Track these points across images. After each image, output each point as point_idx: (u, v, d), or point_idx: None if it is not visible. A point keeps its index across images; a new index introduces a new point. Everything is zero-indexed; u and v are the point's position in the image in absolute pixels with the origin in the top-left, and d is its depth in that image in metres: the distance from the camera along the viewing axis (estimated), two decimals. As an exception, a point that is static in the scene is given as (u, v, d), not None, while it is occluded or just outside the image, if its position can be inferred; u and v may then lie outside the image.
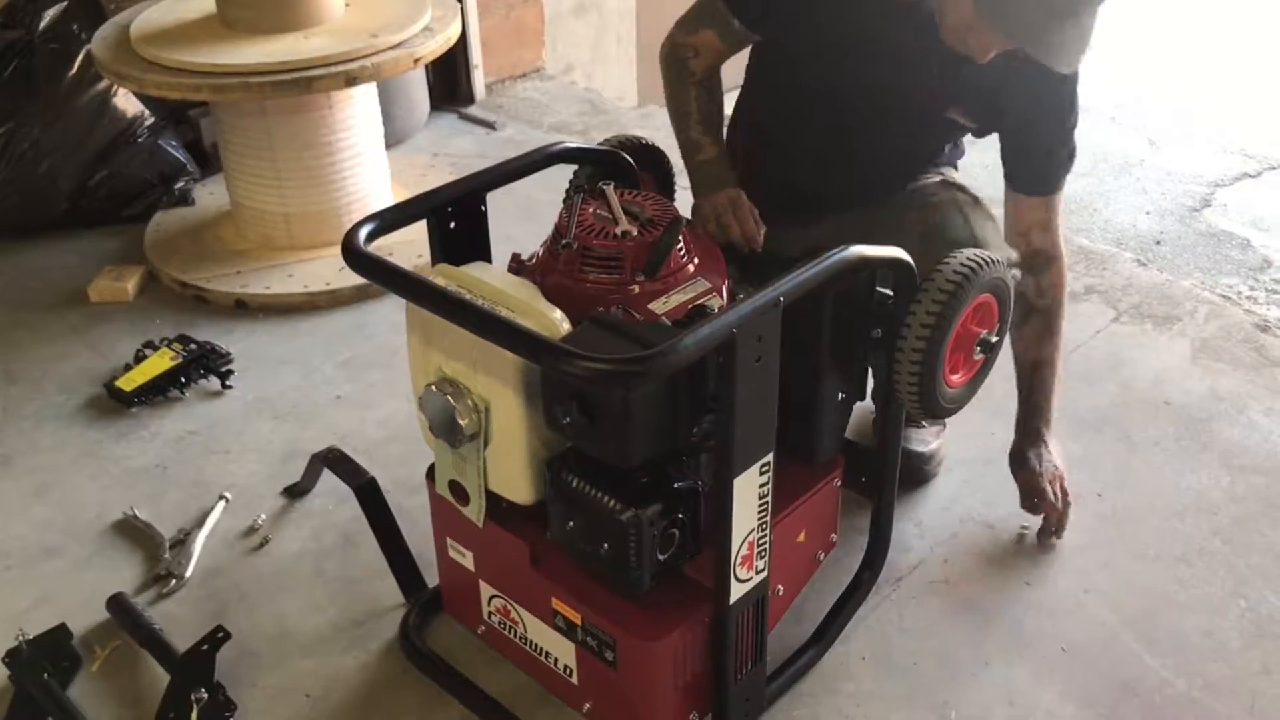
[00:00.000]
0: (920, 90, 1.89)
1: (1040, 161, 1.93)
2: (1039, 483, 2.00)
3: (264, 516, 2.14)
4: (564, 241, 1.60)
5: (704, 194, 1.92)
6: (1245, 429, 2.35)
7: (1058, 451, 2.04)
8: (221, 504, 2.17)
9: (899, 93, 1.89)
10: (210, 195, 3.24)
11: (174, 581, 2.00)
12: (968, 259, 1.62)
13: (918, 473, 2.18)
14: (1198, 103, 4.21)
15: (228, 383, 2.52)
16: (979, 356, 1.72)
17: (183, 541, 2.08)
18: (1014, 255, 1.90)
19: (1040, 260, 1.96)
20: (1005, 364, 1.84)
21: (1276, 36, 4.89)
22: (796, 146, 2.02)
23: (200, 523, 2.12)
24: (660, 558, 1.50)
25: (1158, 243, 3.25)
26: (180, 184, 3.22)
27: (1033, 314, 1.99)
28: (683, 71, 1.99)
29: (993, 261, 1.64)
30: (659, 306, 1.56)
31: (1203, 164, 3.73)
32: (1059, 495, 2.02)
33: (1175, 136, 3.93)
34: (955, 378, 1.70)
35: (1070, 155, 1.93)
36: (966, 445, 2.25)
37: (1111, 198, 3.51)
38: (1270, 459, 2.26)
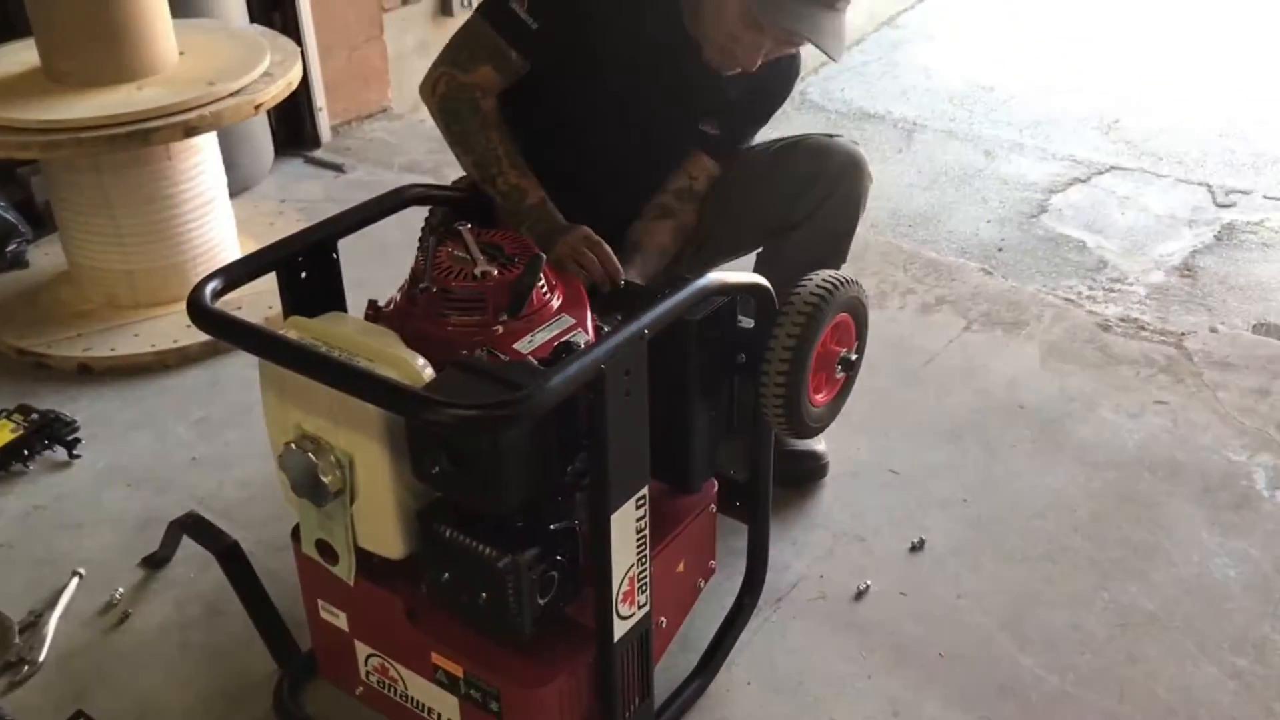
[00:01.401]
0: (682, 106, 2.03)
1: (744, 140, 2.12)
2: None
3: (122, 590, 2.05)
4: (421, 285, 1.57)
5: (548, 238, 1.83)
6: (1096, 426, 2.44)
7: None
8: (75, 581, 2.07)
9: (662, 112, 2.02)
10: (46, 256, 3.09)
11: (26, 668, 1.89)
12: (823, 281, 1.65)
13: (816, 472, 2.25)
14: (1027, 113, 4.40)
15: (75, 452, 2.40)
16: (840, 375, 1.75)
17: (34, 624, 1.97)
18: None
19: (693, 190, 2.09)
20: (864, 380, 1.87)
21: (1095, 45, 5.15)
22: (582, 176, 2.03)
23: (53, 603, 2.01)
24: (540, 602, 1.48)
25: (1000, 250, 3.37)
26: (12, 246, 3.06)
27: (665, 218, 2.06)
28: (476, 113, 1.91)
29: (848, 281, 1.68)
30: (524, 346, 1.54)
31: (1036, 171, 3.89)
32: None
33: (1009, 146, 4.09)
34: (819, 397, 1.73)
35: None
36: (832, 460, 2.27)
37: (954, 209, 3.62)
38: (1120, 453, 2.36)
